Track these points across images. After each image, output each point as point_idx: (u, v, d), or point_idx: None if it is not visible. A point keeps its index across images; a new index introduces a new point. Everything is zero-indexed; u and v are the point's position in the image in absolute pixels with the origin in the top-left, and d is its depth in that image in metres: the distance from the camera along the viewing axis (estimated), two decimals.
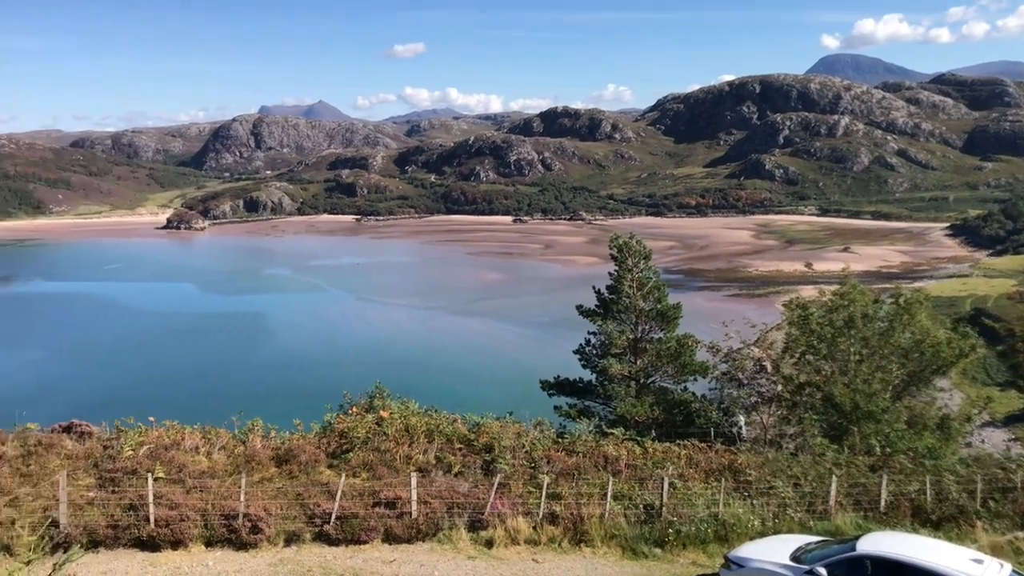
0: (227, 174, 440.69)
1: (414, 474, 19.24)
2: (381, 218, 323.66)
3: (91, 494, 19.17)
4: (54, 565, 7.54)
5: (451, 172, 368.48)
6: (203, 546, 17.46)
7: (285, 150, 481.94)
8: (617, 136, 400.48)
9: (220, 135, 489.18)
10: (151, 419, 25.09)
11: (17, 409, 28.33)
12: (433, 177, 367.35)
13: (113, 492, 19.19)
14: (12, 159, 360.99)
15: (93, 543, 16.84)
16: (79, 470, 21.24)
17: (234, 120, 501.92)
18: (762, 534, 18.55)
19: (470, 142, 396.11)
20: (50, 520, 17.28)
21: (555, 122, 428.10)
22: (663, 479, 19.62)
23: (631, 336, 31.09)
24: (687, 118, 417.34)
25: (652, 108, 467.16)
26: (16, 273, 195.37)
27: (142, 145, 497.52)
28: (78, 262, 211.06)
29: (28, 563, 7.63)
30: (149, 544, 17.23)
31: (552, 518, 18.99)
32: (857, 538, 15.17)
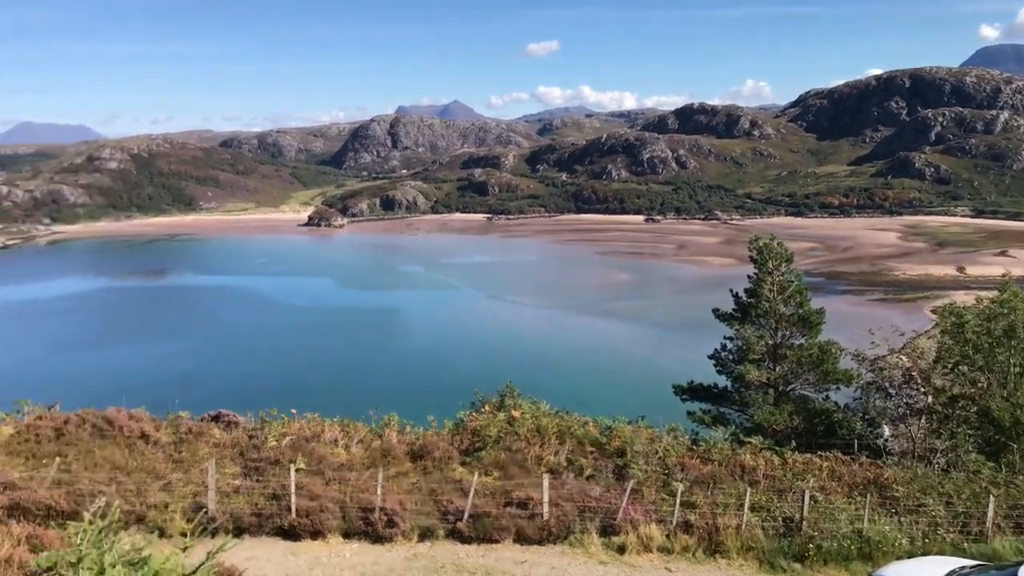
0: (365, 173, 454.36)
1: (546, 476, 19.17)
2: (511, 217, 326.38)
3: (237, 482, 20.01)
4: (208, 553, 7.80)
5: (582, 171, 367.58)
6: (341, 537, 17.93)
7: (420, 149, 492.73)
8: (756, 133, 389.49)
9: (359, 135, 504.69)
10: (293, 411, 26.05)
11: (170, 397, 29.99)
12: (564, 176, 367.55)
13: (257, 481, 19.98)
14: (167, 158, 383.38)
15: (238, 530, 17.56)
16: (226, 458, 22.23)
17: (372, 120, 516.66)
18: (910, 554, 17.57)
19: (602, 140, 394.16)
20: (200, 506, 18.14)
21: (690, 119, 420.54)
22: (803, 492, 18.84)
23: (770, 341, 30.08)
24: (830, 114, 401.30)
25: (793, 104, 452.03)
26: (170, 267, 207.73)
27: (286, 145, 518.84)
28: (226, 257, 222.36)
29: (184, 549, 7.90)
30: (290, 533, 17.83)
31: (686, 527, 18.55)
32: (1018, 565, 14.09)
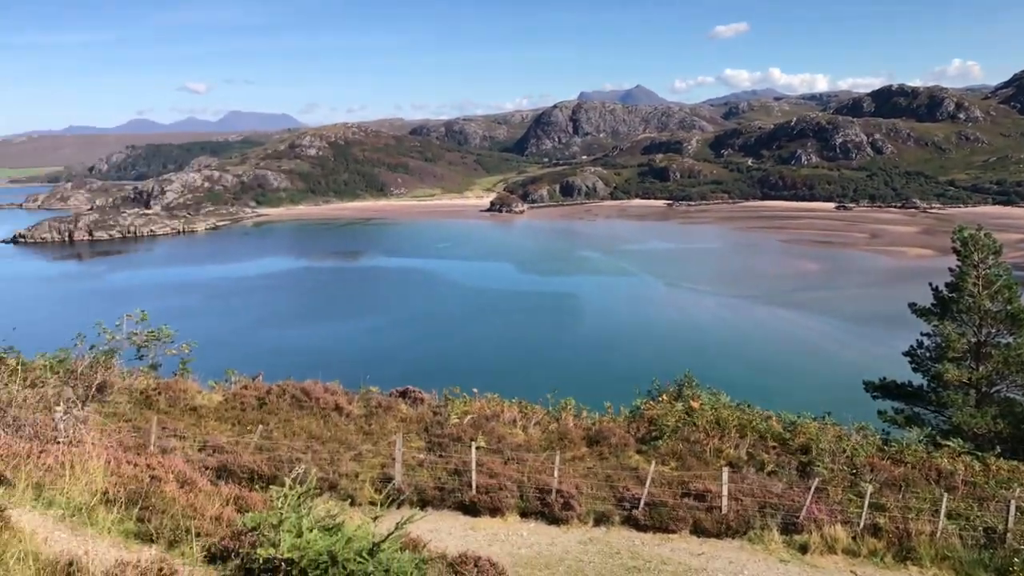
0: (546, 159, 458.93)
1: (725, 468, 18.78)
2: (692, 203, 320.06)
3: (421, 456, 20.85)
4: (396, 524, 8.17)
5: (769, 156, 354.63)
6: (518, 516, 18.31)
7: (601, 135, 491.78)
8: (962, 116, 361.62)
9: (541, 121, 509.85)
10: (475, 390, 26.84)
11: (362, 372, 31.55)
12: (750, 161, 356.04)
13: (440, 456, 20.74)
14: (361, 146, 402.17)
15: (422, 502, 18.29)
16: (412, 433, 23.21)
17: (554, 107, 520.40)
18: None
19: (791, 124, 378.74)
20: (388, 477, 19.05)
21: (888, 101, 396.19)
22: (1009, 501, 17.45)
23: (973, 339, 28.04)
24: None
25: (1006, 84, 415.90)
26: (362, 249, 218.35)
27: (471, 132, 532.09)
28: (413, 240, 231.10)
29: (375, 518, 8.32)
30: (470, 509, 18.38)
31: (874, 530, 17.64)
32: None
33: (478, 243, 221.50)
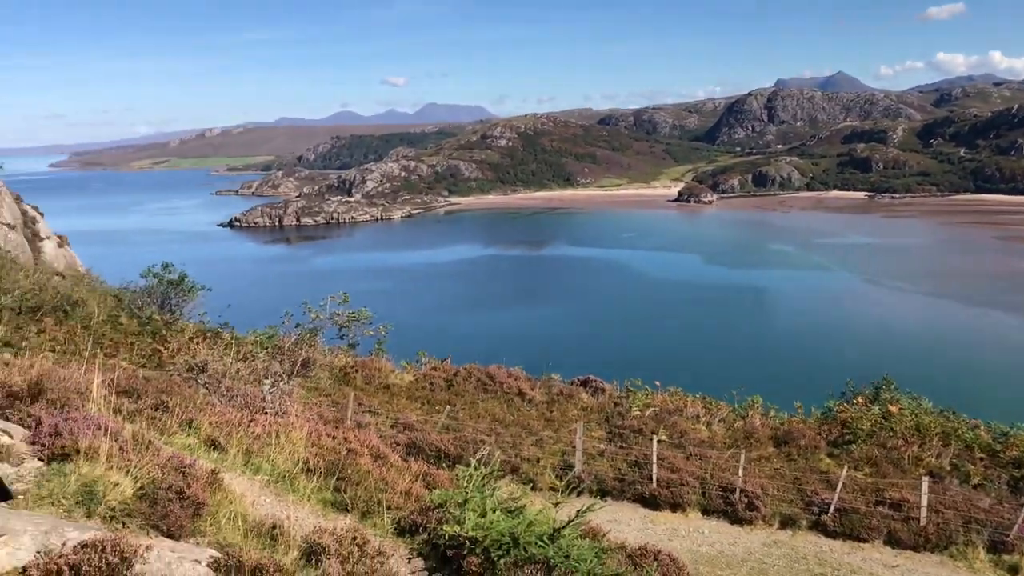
0: (737, 148, 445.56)
1: (925, 478, 17.62)
2: (896, 196, 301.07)
3: (601, 446, 20.89)
4: (578, 511, 8.23)
5: (985, 145, 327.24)
6: (699, 513, 17.99)
7: (798, 123, 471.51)
8: None
9: (734, 110, 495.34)
10: (657, 383, 26.59)
11: (544, 359, 32.00)
12: (962, 151, 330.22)
13: (620, 447, 20.70)
14: (549, 136, 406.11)
15: (601, 492, 18.33)
16: (592, 422, 23.30)
17: (748, 95, 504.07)
18: None
19: (1013, 111, 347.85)
20: (568, 465, 19.23)
21: None
22: None
23: None
24: None
25: None
26: (548, 238, 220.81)
27: (660, 121, 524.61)
28: (598, 230, 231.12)
29: (556, 504, 8.42)
30: (649, 501, 18.24)
31: None
32: None
33: (664, 234, 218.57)
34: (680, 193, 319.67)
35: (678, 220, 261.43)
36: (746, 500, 17.65)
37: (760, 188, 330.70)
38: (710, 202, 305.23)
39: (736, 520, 17.51)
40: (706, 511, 17.95)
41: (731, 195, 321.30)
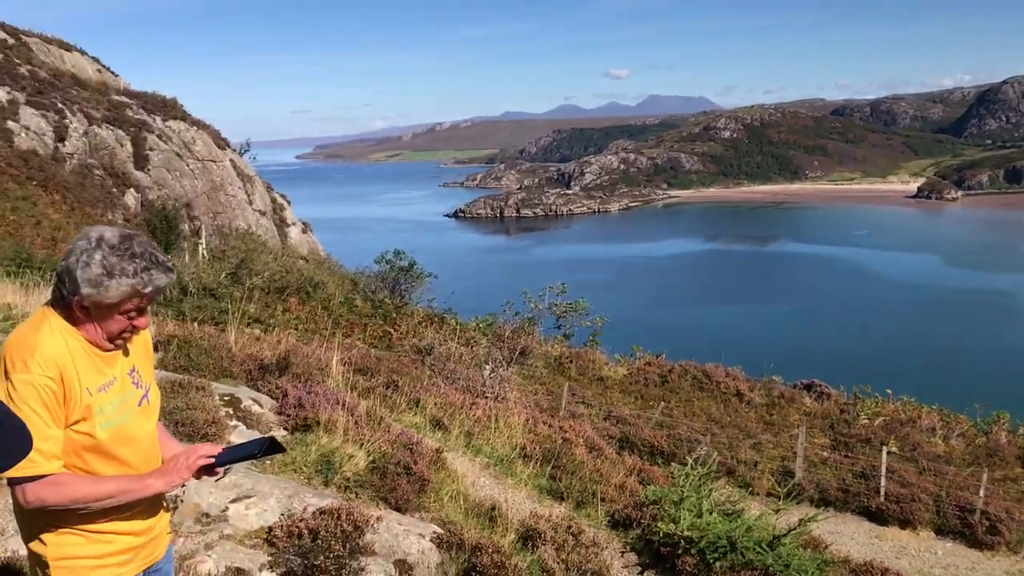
0: (988, 142, 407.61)
1: None
2: None
3: (825, 454, 19.91)
4: (800, 520, 7.91)
5: None
6: (932, 532, 16.72)
7: None
8: None
9: (985, 99, 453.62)
10: (888, 391, 24.99)
11: (764, 360, 30.95)
12: None
13: (846, 456, 19.62)
14: (776, 127, 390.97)
15: (824, 502, 17.46)
16: (815, 428, 22.25)
17: (1003, 82, 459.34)
18: None
19: None
20: (787, 471, 18.47)
21: None
22: None
23: None
24: None
25: None
26: (772, 234, 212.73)
27: (899, 112, 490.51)
28: (826, 226, 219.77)
29: (777, 511, 8.14)
30: (876, 516, 17.15)
31: None
32: None
33: (901, 232, 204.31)
34: (920, 189, 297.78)
35: (917, 218, 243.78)
36: (987, 523, 16.19)
37: (1014, 185, 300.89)
38: (954, 199, 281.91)
39: (975, 543, 16.10)
40: (940, 531, 16.64)
41: (978, 192, 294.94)
